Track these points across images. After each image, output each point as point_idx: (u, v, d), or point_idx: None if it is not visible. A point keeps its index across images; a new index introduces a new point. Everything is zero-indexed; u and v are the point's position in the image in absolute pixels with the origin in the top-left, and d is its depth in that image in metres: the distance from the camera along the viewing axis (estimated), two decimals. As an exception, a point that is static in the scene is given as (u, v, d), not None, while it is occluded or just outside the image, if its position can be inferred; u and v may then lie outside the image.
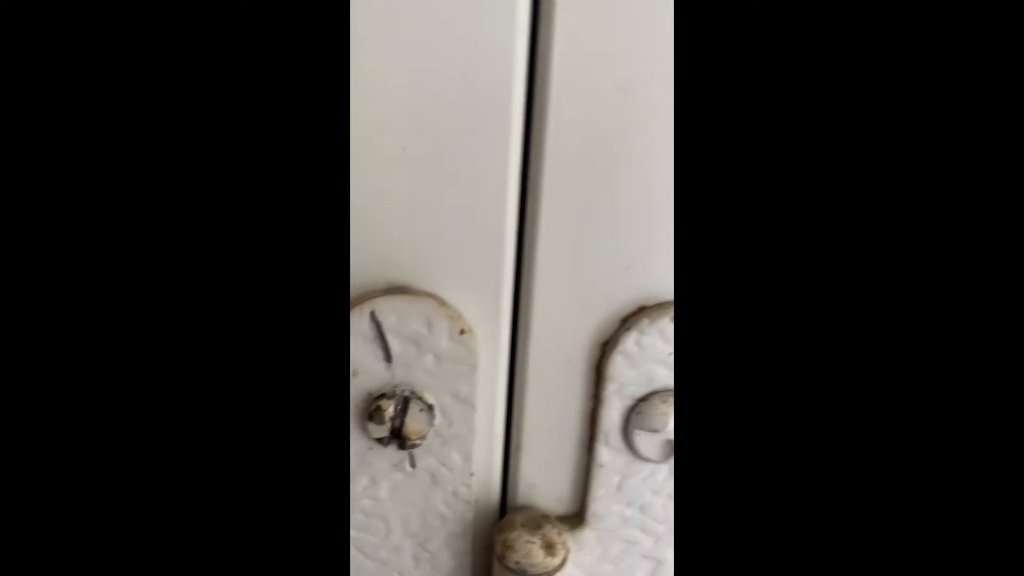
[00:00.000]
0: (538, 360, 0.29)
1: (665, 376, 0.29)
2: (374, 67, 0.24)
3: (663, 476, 0.31)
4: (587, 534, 0.32)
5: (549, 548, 0.30)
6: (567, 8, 0.24)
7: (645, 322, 0.28)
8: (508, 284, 0.28)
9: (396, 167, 0.26)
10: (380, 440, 0.28)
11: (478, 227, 0.27)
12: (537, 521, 0.31)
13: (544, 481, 0.32)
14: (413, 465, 0.30)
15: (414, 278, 0.28)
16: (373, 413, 0.28)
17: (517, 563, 0.30)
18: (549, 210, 0.27)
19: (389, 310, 0.27)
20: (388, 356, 0.28)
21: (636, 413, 0.29)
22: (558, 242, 0.27)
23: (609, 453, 0.30)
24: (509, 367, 0.30)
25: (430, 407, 0.28)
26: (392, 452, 0.29)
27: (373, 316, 0.27)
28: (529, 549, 0.30)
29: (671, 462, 0.30)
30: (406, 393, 0.28)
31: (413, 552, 0.32)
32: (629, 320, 0.28)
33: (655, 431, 0.29)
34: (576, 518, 0.32)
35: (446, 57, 0.24)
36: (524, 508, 0.32)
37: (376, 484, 0.30)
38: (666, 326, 0.28)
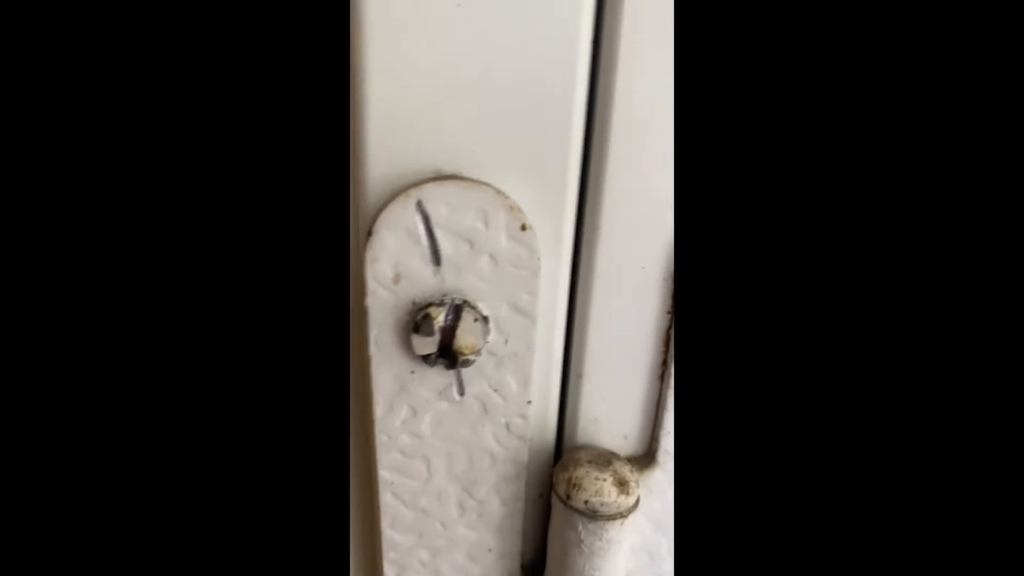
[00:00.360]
0: (606, 266, 0.25)
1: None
2: None
3: (747, 405, 0.27)
4: (657, 476, 0.28)
5: (622, 486, 0.26)
6: None
7: (736, 216, 0.24)
8: (574, 174, 0.24)
9: (446, 25, 0.22)
10: (426, 358, 0.24)
11: (542, 104, 0.23)
12: (606, 457, 0.27)
13: (608, 415, 0.28)
14: (461, 392, 0.26)
15: (465, 165, 0.23)
16: (420, 323, 0.23)
17: (587, 502, 0.25)
18: (625, 84, 0.23)
19: (439, 200, 0.23)
20: (437, 258, 0.23)
21: (721, 328, 0.25)
22: (634, 125, 0.23)
23: (686, 378, 0.26)
24: (571, 275, 0.26)
25: (484, 319, 0.24)
26: (437, 376, 0.25)
27: (420, 207, 0.23)
28: (600, 486, 0.25)
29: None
30: (458, 301, 0.24)
31: (458, 499, 0.28)
32: (714, 217, 0.24)
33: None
34: (645, 458, 0.28)
35: None
36: (585, 447, 0.28)
37: (417, 416, 0.26)
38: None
